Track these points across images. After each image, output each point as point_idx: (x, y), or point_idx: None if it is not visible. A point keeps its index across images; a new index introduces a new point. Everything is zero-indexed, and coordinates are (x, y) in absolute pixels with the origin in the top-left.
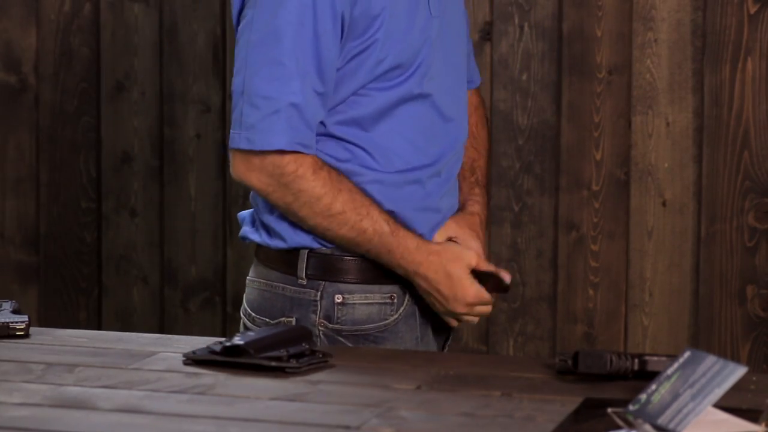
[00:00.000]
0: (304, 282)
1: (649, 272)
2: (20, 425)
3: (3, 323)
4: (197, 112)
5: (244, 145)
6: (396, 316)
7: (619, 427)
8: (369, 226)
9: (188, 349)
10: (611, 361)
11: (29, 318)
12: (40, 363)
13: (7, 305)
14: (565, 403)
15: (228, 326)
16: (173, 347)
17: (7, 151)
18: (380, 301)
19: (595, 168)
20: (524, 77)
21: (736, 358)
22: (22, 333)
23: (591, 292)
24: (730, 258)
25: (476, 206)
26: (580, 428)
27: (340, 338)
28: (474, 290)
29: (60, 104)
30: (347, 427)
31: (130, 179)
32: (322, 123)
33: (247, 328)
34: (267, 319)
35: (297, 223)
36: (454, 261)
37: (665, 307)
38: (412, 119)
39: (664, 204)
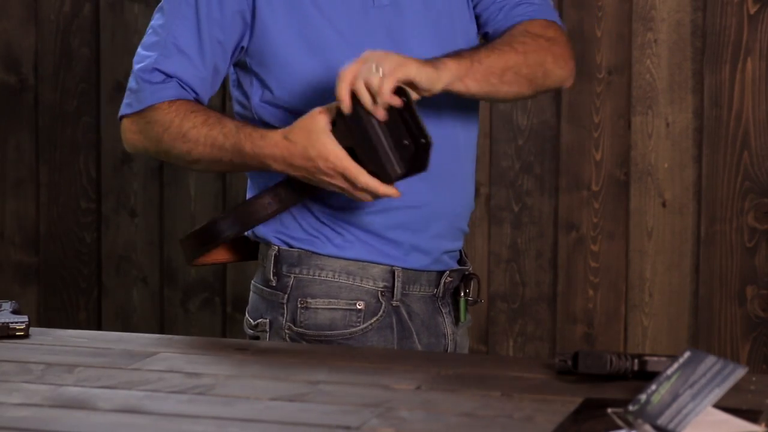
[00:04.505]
0: (274, 283)
1: (648, 273)
2: (20, 425)
3: (3, 323)
4: None
5: (125, 111)
6: (364, 325)
7: (619, 428)
8: (218, 133)
9: (188, 349)
10: (611, 361)
11: (29, 318)
12: (40, 363)
13: (7, 305)
14: (565, 404)
15: (228, 326)
16: (173, 347)
17: (7, 151)
18: (345, 307)
19: (595, 168)
20: None
21: (736, 359)
22: (22, 333)
23: (591, 292)
24: (729, 258)
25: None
26: (580, 428)
27: (304, 343)
28: (333, 151)
29: (60, 104)
30: (347, 427)
31: (130, 179)
32: None
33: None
34: (251, 320)
35: (173, 161)
36: (301, 125)
37: (665, 308)
38: None
39: (663, 204)
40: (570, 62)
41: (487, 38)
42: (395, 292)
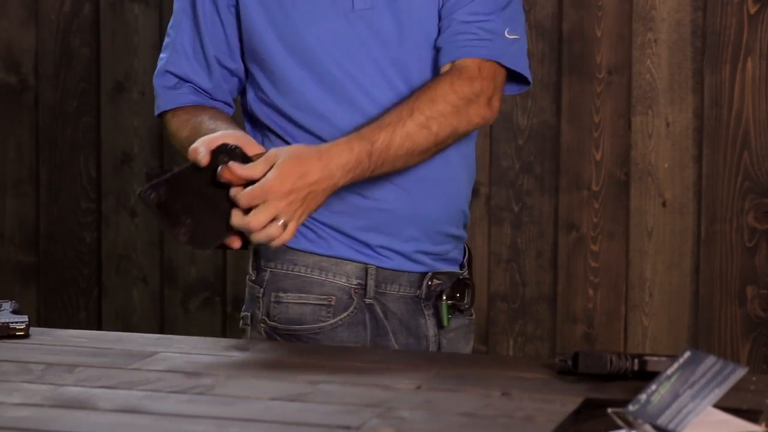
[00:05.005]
0: (253, 277)
1: (649, 272)
2: (20, 425)
3: (3, 323)
4: None
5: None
6: (334, 320)
7: (619, 427)
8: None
9: (188, 349)
10: (611, 361)
11: (29, 318)
12: (40, 363)
13: (7, 305)
14: (565, 403)
15: (228, 326)
16: (173, 347)
17: (7, 151)
18: (315, 302)
19: (595, 168)
20: None
21: (736, 359)
22: (22, 333)
23: (591, 292)
24: (730, 258)
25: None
26: (580, 428)
27: (277, 336)
28: None
29: (60, 104)
30: (347, 427)
31: (130, 179)
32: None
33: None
34: (242, 313)
35: None
36: None
37: (665, 308)
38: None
39: (664, 204)
40: (493, 104)
41: None
42: (368, 290)
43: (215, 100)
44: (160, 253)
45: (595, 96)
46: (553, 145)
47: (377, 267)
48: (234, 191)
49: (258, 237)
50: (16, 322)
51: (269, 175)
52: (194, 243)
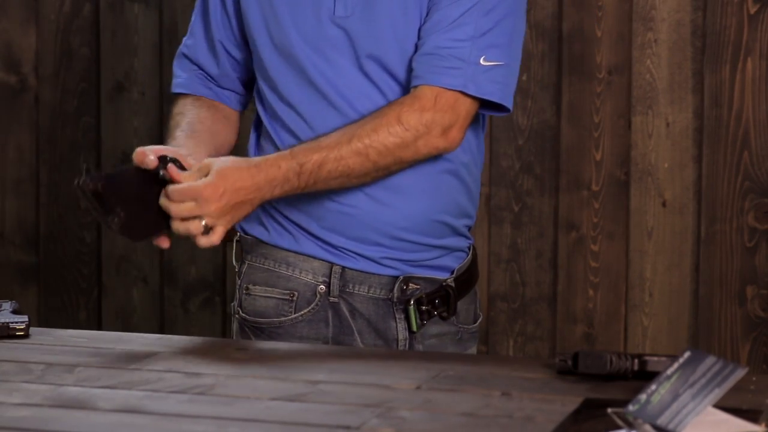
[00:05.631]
0: (237, 269)
1: (649, 272)
2: (20, 425)
3: (3, 323)
4: None
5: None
6: (295, 315)
7: (619, 427)
8: None
9: (188, 349)
10: (611, 361)
11: (29, 318)
12: (40, 363)
13: (7, 305)
14: (565, 403)
15: (228, 326)
16: (173, 347)
17: (7, 151)
18: (279, 296)
19: (595, 168)
20: (524, 77)
21: (736, 359)
22: (22, 333)
23: (591, 292)
24: (730, 258)
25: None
26: (580, 428)
27: (246, 328)
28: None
29: (60, 104)
30: (347, 427)
31: None
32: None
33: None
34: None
35: None
36: None
37: (665, 308)
38: None
39: (664, 204)
40: (450, 135)
41: None
42: (332, 288)
43: (222, 87)
44: (160, 253)
45: (595, 96)
46: (553, 145)
47: (344, 267)
48: (169, 187)
49: (178, 227)
50: (16, 322)
51: (206, 178)
52: (125, 232)
